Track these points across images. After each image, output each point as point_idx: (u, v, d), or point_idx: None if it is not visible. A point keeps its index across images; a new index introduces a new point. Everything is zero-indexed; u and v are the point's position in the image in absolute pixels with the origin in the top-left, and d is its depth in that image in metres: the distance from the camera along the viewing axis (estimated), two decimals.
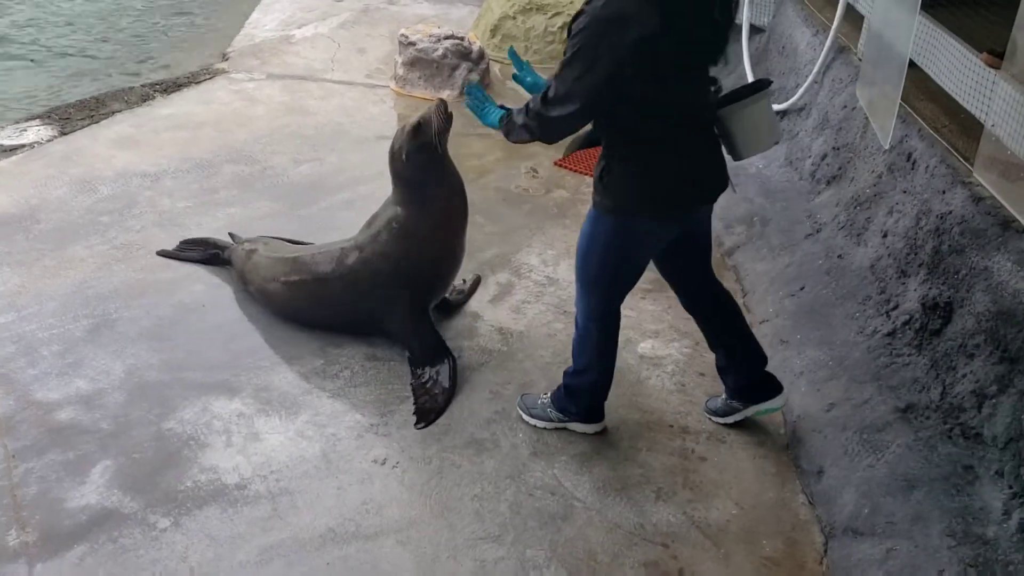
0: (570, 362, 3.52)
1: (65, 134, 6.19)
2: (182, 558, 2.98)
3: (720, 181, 3.16)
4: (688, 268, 3.44)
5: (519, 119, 3.01)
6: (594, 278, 3.28)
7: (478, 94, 3.23)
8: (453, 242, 4.04)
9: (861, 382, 3.52)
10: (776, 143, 3.25)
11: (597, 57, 2.75)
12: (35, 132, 6.19)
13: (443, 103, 3.84)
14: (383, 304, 3.99)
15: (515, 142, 3.13)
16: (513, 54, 3.35)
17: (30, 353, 3.94)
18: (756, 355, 3.55)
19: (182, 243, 4.83)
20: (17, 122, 6.43)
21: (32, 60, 8.44)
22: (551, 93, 2.86)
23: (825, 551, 3.08)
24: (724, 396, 3.67)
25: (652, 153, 2.98)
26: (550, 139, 3.02)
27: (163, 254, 4.77)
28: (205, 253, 4.73)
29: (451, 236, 4.01)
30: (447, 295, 4.37)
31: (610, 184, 3.06)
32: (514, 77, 3.33)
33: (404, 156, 3.86)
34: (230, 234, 4.85)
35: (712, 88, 3.07)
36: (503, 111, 3.13)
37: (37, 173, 5.60)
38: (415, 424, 3.65)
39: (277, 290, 4.20)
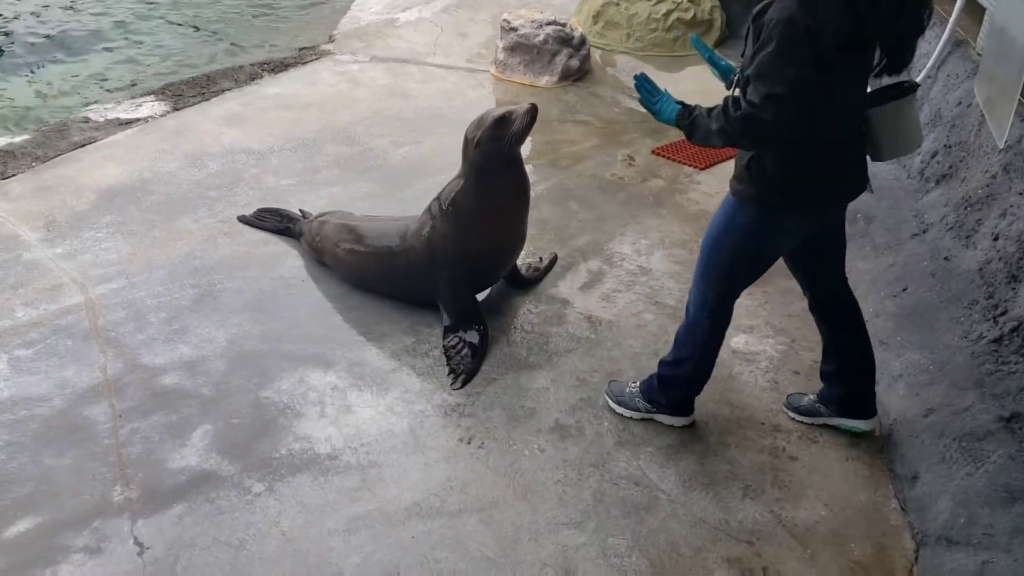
0: (661, 353, 3.49)
1: (177, 110, 6.45)
2: (274, 522, 3.09)
3: (861, 181, 3.09)
4: (820, 268, 3.35)
5: (714, 123, 2.84)
6: (721, 269, 3.20)
7: (648, 85, 3.07)
8: (503, 235, 4.12)
9: (963, 388, 3.39)
10: (918, 147, 3.12)
11: (801, 51, 2.65)
12: (149, 107, 6.45)
13: (534, 108, 3.90)
14: (434, 276, 4.10)
15: (700, 145, 3.00)
16: (697, 41, 3.22)
17: (139, 319, 4.13)
18: (869, 370, 3.45)
19: (259, 210, 5.02)
20: (133, 97, 6.72)
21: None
22: (759, 96, 2.71)
23: (916, 559, 3.00)
24: (813, 398, 3.59)
25: (809, 149, 2.88)
26: (758, 143, 2.89)
27: (242, 219, 4.98)
28: (279, 224, 4.91)
29: (501, 229, 4.09)
30: (523, 272, 4.49)
31: (759, 174, 2.96)
32: (708, 60, 3.19)
33: (476, 143, 3.93)
34: (300, 210, 4.98)
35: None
36: (679, 106, 3.00)
37: (150, 147, 5.84)
38: (451, 386, 3.76)
39: (347, 257, 4.36)
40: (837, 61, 2.69)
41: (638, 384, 3.61)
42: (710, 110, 2.90)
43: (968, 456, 3.12)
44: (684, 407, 3.55)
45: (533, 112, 3.89)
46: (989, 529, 2.84)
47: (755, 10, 2.82)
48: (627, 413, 3.61)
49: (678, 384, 3.47)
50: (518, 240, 4.22)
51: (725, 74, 3.16)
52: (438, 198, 4.13)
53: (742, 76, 2.85)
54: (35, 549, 2.96)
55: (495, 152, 3.92)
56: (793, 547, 3.06)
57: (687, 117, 2.97)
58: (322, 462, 3.36)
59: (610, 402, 3.65)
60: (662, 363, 3.50)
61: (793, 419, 3.61)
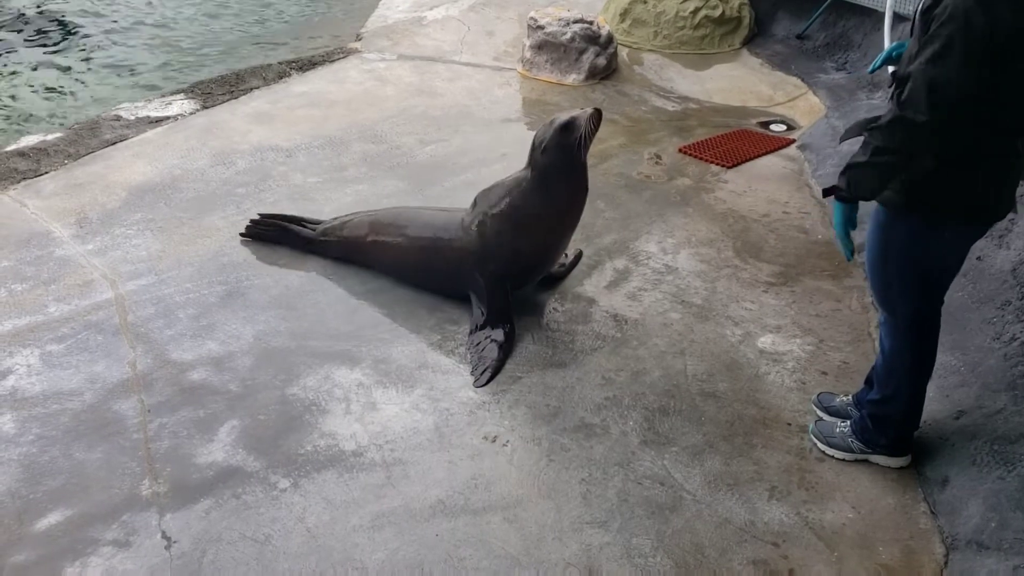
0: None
1: (207, 108, 6.50)
2: (299, 518, 3.11)
3: (1013, 198, 2.89)
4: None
5: (869, 153, 2.67)
6: (896, 292, 3.03)
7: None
8: (558, 237, 4.14)
9: (995, 390, 3.35)
10: None
11: (973, 50, 2.50)
12: (179, 105, 6.51)
13: (598, 112, 3.93)
14: (476, 271, 4.12)
15: (868, 193, 2.80)
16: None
17: (168, 315, 4.17)
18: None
19: (262, 216, 4.81)
20: (163, 95, 6.78)
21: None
22: (916, 96, 2.55)
23: (946, 563, 2.96)
24: (846, 399, 3.55)
25: (981, 156, 2.72)
26: (909, 150, 2.66)
27: (243, 235, 4.80)
28: (283, 235, 4.72)
29: (558, 232, 4.11)
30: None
31: (922, 181, 2.76)
32: (889, 54, 3.04)
33: (543, 149, 3.95)
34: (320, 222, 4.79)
35: None
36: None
37: (180, 144, 5.89)
38: (475, 383, 3.77)
39: (386, 248, 4.39)
40: (1013, 64, 2.53)
41: (848, 424, 3.41)
42: (867, 143, 2.71)
43: (1000, 459, 3.08)
44: (904, 445, 3.32)
45: (597, 117, 3.92)
46: (1021, 534, 2.80)
47: (924, 4, 2.65)
48: (839, 455, 3.38)
49: (895, 421, 3.26)
50: (568, 242, 4.25)
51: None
52: (490, 194, 4.12)
53: (901, 73, 2.69)
54: (65, 541, 3.00)
55: (562, 159, 3.94)
56: (820, 549, 3.03)
57: (842, 182, 2.79)
58: (347, 459, 3.37)
59: (818, 443, 3.43)
60: (869, 402, 3.29)
61: (819, 416, 3.57)
